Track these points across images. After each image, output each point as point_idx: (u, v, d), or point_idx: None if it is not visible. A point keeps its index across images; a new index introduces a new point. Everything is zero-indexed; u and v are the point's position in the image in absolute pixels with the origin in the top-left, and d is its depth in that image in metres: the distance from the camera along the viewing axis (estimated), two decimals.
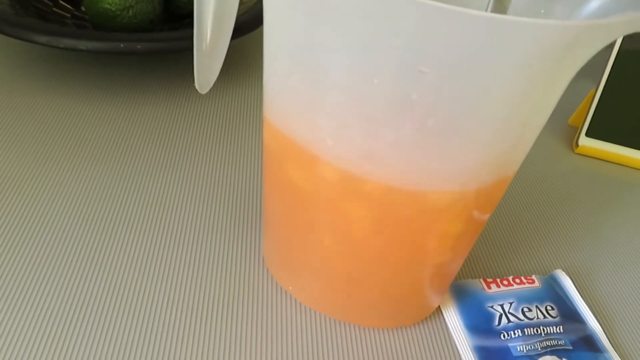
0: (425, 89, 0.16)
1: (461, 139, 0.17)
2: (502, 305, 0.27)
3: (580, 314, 0.27)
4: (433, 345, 0.25)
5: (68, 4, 0.45)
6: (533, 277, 0.28)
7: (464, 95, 0.16)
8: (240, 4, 0.44)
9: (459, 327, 0.26)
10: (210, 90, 0.40)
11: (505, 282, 0.28)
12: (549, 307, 0.27)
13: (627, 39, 0.38)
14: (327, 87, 0.18)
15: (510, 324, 0.26)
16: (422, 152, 0.18)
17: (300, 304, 0.26)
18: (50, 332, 0.23)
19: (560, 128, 0.44)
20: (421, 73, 0.16)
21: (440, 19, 0.14)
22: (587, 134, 0.41)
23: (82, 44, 0.34)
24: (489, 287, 0.28)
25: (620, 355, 0.26)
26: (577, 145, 0.41)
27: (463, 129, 0.17)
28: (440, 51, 0.15)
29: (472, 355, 0.25)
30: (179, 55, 0.44)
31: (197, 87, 0.23)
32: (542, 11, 0.20)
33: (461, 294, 0.27)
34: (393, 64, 0.16)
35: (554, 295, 0.28)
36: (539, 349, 0.25)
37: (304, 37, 0.17)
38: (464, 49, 0.15)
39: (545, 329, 0.26)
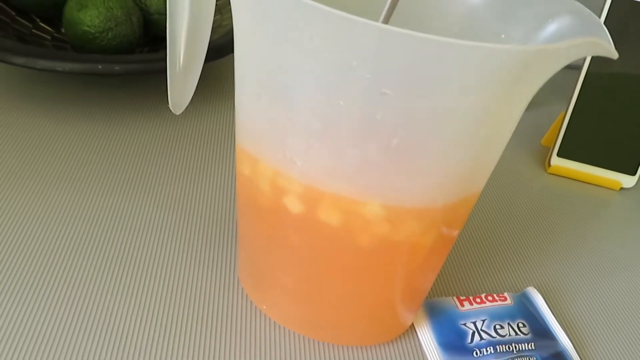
0: (389, 109, 0.17)
1: (424, 157, 0.18)
2: (474, 323, 0.27)
3: (552, 331, 0.28)
4: None
5: (48, 26, 0.45)
6: (505, 294, 0.29)
7: (425, 116, 0.17)
8: (220, 27, 0.45)
9: (432, 345, 0.26)
10: (192, 111, 0.41)
11: (478, 300, 0.28)
12: (520, 324, 0.27)
13: (594, 62, 0.40)
14: (295, 109, 0.18)
15: (483, 341, 0.26)
16: (387, 170, 0.18)
17: (274, 322, 0.26)
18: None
19: (533, 148, 0.45)
20: (383, 95, 0.16)
21: (397, 42, 0.15)
22: (559, 154, 0.42)
23: (60, 65, 0.34)
24: (462, 305, 0.28)
25: None
26: (549, 165, 0.42)
27: (426, 147, 0.18)
28: (400, 73, 0.16)
29: None
30: (156, 77, 0.44)
31: (171, 107, 0.23)
32: (503, 36, 0.21)
33: (434, 311, 0.27)
34: (357, 86, 0.16)
35: (526, 312, 0.28)
36: None
37: (269, 59, 0.18)
38: (422, 71, 0.16)
39: (517, 345, 0.26)
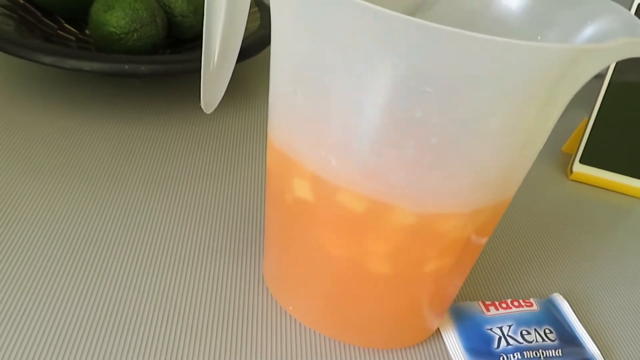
0: (429, 108, 0.17)
1: (461, 158, 0.18)
2: (501, 328, 0.27)
3: (579, 337, 0.27)
4: None
5: (72, 27, 0.45)
6: (531, 300, 0.28)
7: (466, 115, 0.17)
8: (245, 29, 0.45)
9: (459, 350, 0.26)
10: (215, 111, 0.41)
11: (504, 305, 0.28)
12: (547, 331, 0.27)
13: (617, 71, 0.39)
14: (332, 106, 0.18)
15: (510, 346, 0.26)
16: (423, 172, 0.18)
17: (300, 323, 0.26)
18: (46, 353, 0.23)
19: (555, 155, 0.45)
20: (425, 93, 0.16)
21: (440, 40, 0.15)
22: (581, 161, 0.41)
23: (87, 65, 0.34)
24: (488, 310, 0.28)
25: None
26: (571, 171, 0.42)
27: (464, 148, 0.18)
28: (442, 71, 0.16)
29: None
30: (181, 78, 0.45)
31: (202, 106, 0.24)
32: (539, 37, 0.21)
33: (460, 316, 0.27)
34: (399, 84, 0.16)
35: (553, 318, 0.28)
36: None
37: (308, 56, 0.18)
38: (465, 70, 0.15)
39: (544, 352, 0.26)
